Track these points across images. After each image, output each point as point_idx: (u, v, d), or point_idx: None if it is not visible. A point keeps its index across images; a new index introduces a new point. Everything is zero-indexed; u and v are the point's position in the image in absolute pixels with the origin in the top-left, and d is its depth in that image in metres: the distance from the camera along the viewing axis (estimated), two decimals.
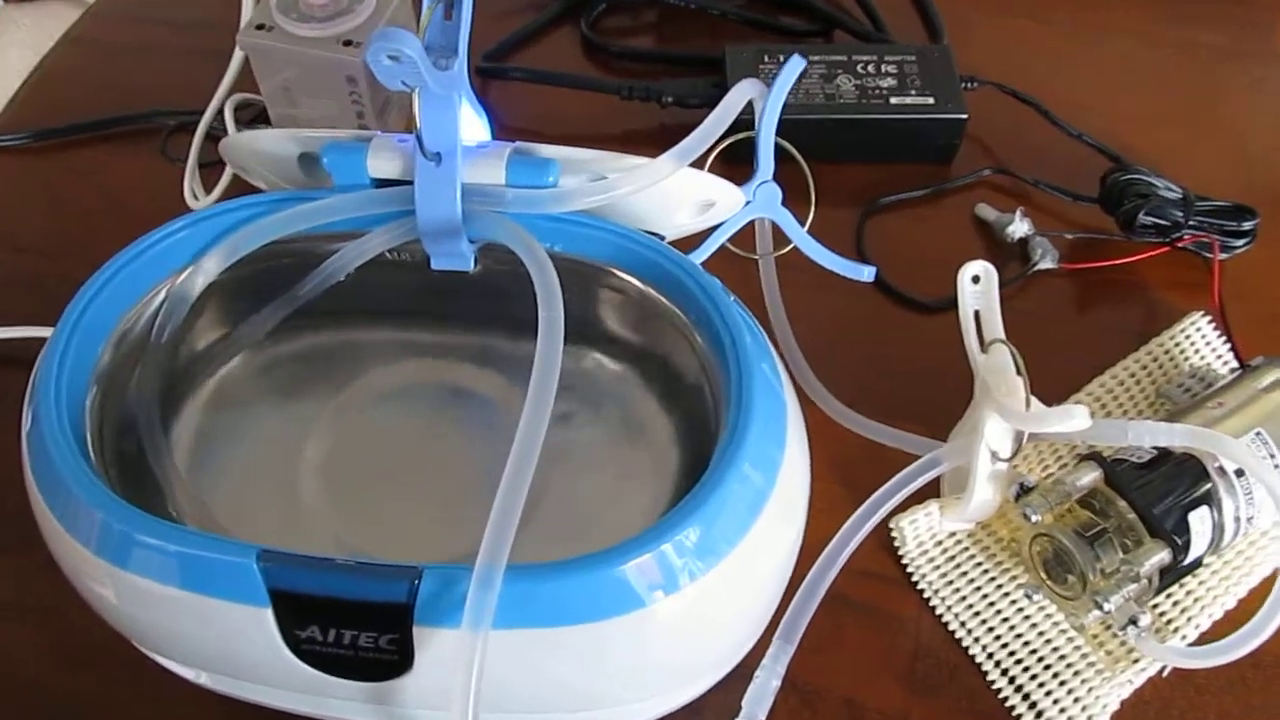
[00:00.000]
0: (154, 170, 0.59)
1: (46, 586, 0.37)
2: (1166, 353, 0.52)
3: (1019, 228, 0.56)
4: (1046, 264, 0.55)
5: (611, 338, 0.41)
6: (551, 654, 0.32)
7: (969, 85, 0.60)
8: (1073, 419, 0.39)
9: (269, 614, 0.31)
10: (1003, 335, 0.45)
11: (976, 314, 0.46)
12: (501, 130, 0.63)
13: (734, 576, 0.33)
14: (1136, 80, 0.65)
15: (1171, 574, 0.42)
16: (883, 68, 0.59)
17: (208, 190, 0.57)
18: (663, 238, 0.42)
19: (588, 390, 0.41)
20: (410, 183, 0.36)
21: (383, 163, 0.37)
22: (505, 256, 0.38)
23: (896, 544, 0.47)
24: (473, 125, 0.37)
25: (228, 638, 0.33)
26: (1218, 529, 0.42)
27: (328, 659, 0.32)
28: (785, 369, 0.37)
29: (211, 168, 0.57)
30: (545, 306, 0.33)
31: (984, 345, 0.45)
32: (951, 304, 0.53)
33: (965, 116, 0.58)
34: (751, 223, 0.46)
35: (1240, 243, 0.55)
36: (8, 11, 1.13)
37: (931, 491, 0.47)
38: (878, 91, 0.58)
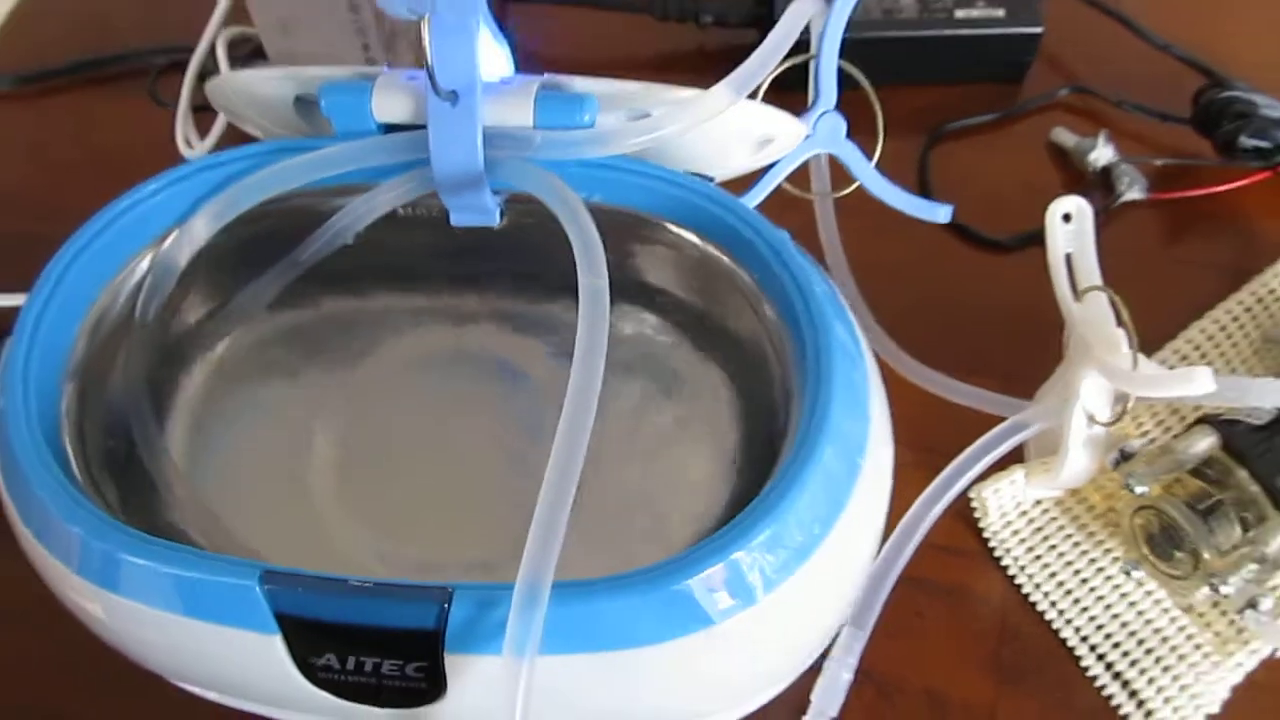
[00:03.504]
0: (144, 115, 0.54)
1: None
2: (1271, 292, 0.46)
3: (1102, 154, 0.50)
4: (1134, 194, 0.50)
5: (661, 301, 0.36)
6: (607, 680, 0.28)
7: None
8: (1193, 382, 0.34)
9: (278, 641, 0.27)
10: (1100, 281, 0.40)
11: (1069, 257, 0.40)
12: (524, 59, 0.58)
13: (818, 577, 0.29)
14: None
15: None
16: None
17: (202, 135, 0.51)
18: (712, 179, 0.36)
19: (635, 363, 0.36)
20: (423, 127, 0.31)
21: (390, 105, 0.32)
22: (536, 208, 0.33)
23: (977, 515, 0.42)
24: (493, 57, 0.32)
25: (235, 663, 0.29)
26: None
27: (348, 687, 0.28)
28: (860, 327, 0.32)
29: (206, 111, 0.52)
30: (587, 272, 0.28)
31: (1078, 293, 0.40)
32: (1030, 241, 0.48)
33: (1040, 30, 0.52)
34: (806, 160, 0.41)
35: None
36: None
37: (1014, 456, 0.42)
38: (940, 4, 0.52)
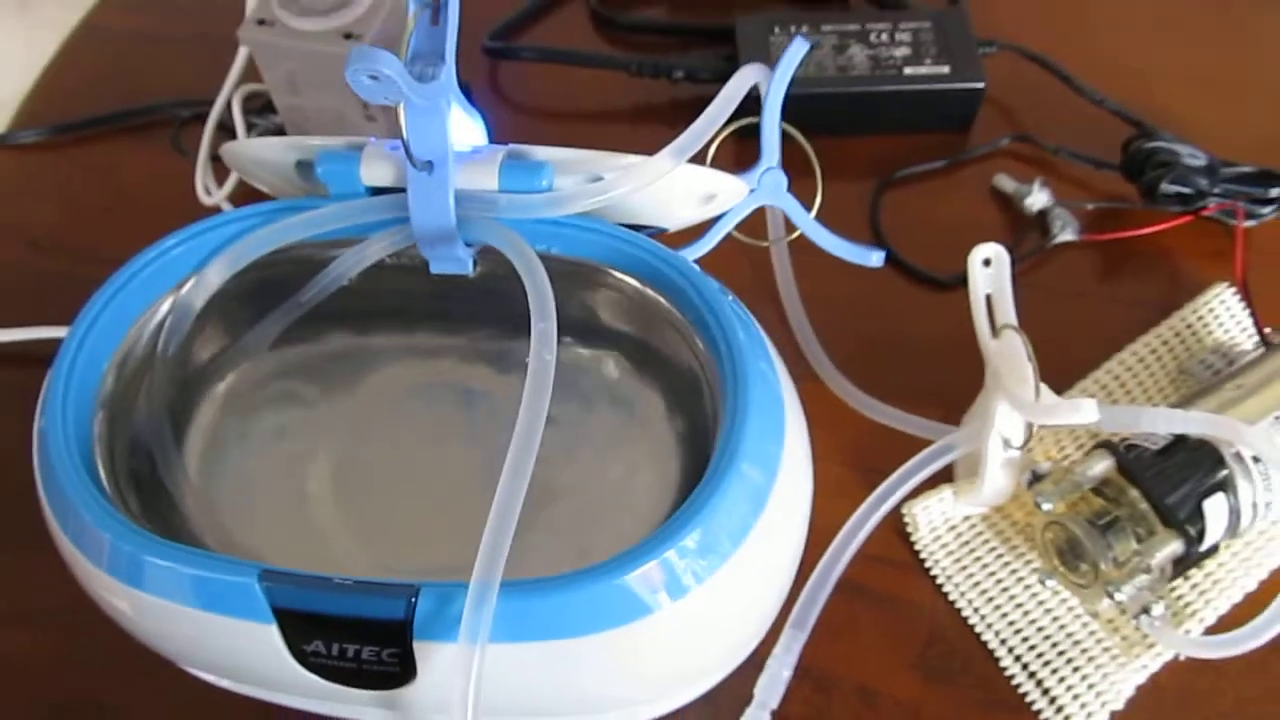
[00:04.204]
0: (167, 164, 0.59)
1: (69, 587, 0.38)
2: (1189, 327, 0.51)
3: (1038, 199, 0.55)
4: (1067, 236, 0.54)
5: (614, 336, 0.41)
6: (558, 664, 0.32)
7: (988, 49, 0.59)
8: (1080, 412, 0.38)
9: (274, 630, 0.32)
10: (1014, 321, 0.44)
11: (988, 298, 0.45)
12: (512, 111, 0.63)
13: (740, 575, 0.33)
14: (1170, 37, 0.63)
15: (1186, 562, 0.41)
16: (896, 36, 0.57)
17: (220, 183, 0.57)
18: (664, 230, 0.41)
19: (592, 390, 0.41)
20: (405, 190, 0.36)
21: (376, 171, 0.37)
22: (506, 258, 0.38)
23: (909, 529, 0.47)
24: (466, 128, 0.37)
25: (240, 650, 0.33)
26: (1234, 515, 0.41)
27: (334, 670, 0.33)
28: (784, 362, 0.37)
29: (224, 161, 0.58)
30: (539, 317, 0.33)
31: (995, 330, 0.44)
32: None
33: (982, 85, 0.56)
34: (764, 207, 0.45)
35: (1268, 210, 0.53)
36: None
37: (945, 475, 0.47)
38: (891, 62, 0.57)
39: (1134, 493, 0.41)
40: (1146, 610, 0.41)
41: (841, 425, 0.49)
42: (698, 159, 0.38)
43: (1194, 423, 0.41)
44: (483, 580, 0.30)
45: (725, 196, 0.42)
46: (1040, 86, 0.59)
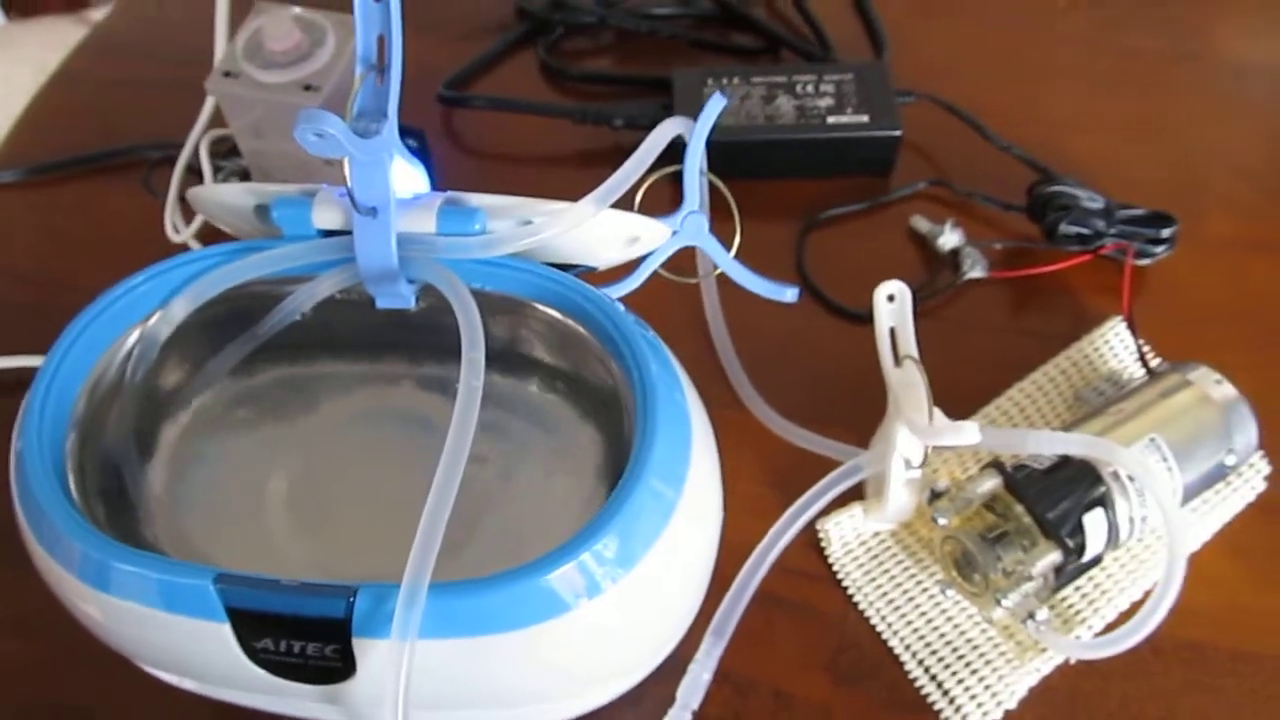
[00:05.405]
0: (138, 203, 0.63)
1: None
2: (1086, 357, 0.55)
3: (950, 239, 0.59)
4: (976, 273, 0.58)
5: (542, 363, 0.45)
6: (485, 658, 0.36)
7: (907, 99, 0.63)
8: (963, 434, 0.43)
9: (227, 628, 0.35)
10: (915, 352, 0.48)
11: (892, 330, 0.49)
12: (465, 154, 0.67)
13: (650, 578, 0.37)
14: (1076, 88, 0.68)
15: (1069, 572, 0.45)
16: (821, 87, 0.62)
17: (188, 222, 0.60)
18: (595, 269, 0.45)
19: (522, 412, 0.45)
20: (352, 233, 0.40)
21: (326, 215, 0.41)
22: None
23: (823, 544, 0.51)
24: (408, 177, 0.41)
25: (197, 649, 0.37)
26: (1114, 529, 0.45)
27: (282, 666, 0.36)
28: (710, 389, 0.41)
29: None
30: (469, 347, 0.37)
31: (898, 359, 0.49)
32: None
33: (899, 134, 0.61)
34: (693, 247, 0.49)
35: (1160, 249, 0.58)
36: (12, 31, 1.17)
37: (857, 492, 0.51)
38: (815, 111, 0.61)
39: (1019, 508, 0.45)
40: (1032, 615, 0.45)
41: (761, 448, 0.53)
42: (625, 203, 0.42)
43: (1073, 444, 0.45)
44: (413, 581, 0.33)
45: (649, 238, 0.46)
46: (955, 134, 0.64)
